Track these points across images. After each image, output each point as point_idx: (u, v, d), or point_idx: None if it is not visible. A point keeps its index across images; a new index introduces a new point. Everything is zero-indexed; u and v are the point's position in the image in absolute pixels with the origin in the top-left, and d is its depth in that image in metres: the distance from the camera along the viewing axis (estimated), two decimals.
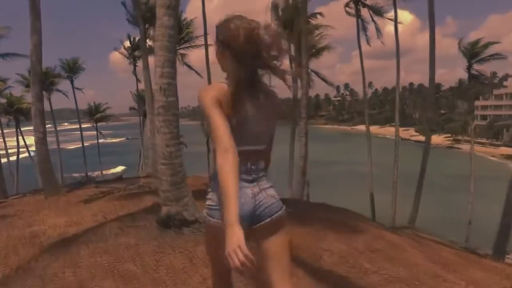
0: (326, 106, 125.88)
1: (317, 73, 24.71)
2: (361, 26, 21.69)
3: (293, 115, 20.02)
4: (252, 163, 1.43)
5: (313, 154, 16.80)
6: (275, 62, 1.38)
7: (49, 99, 26.50)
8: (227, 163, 1.21)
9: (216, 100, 1.30)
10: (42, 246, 4.02)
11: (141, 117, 27.06)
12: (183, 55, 21.20)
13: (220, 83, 1.38)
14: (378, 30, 22.19)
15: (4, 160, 28.40)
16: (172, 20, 3.75)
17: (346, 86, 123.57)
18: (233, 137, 1.28)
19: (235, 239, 1.09)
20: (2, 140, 26.01)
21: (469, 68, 19.66)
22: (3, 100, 25.90)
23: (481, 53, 19.20)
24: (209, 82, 20.11)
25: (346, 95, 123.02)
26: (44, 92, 25.25)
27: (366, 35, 22.22)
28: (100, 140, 38.86)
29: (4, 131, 27.56)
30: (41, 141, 7.43)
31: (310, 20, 20.55)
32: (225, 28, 1.39)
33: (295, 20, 19.87)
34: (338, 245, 3.72)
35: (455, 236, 14.51)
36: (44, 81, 24.52)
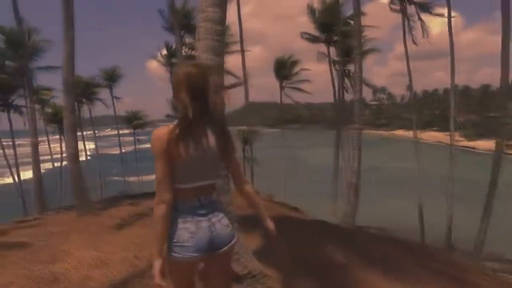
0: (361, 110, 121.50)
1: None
2: (407, 25, 20.10)
3: (337, 120, 18.77)
4: (205, 197, 1.60)
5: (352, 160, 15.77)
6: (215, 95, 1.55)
7: (89, 108, 27.12)
8: (160, 212, 1.48)
9: (163, 147, 1.47)
10: None
11: None
12: None
13: (171, 125, 1.52)
14: (424, 29, 20.45)
15: (48, 166, 29.54)
16: (219, 12, 2.84)
17: (383, 89, 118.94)
18: (184, 175, 1.53)
19: (155, 271, 1.50)
20: (47, 147, 26.88)
21: None
22: (49, 110, 26.85)
23: None
24: (246, 88, 19.41)
25: (383, 98, 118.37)
26: (85, 101, 26.15)
27: (412, 34, 20.61)
28: (142, 146, 39.53)
29: (50, 137, 28.62)
30: (73, 158, 6.89)
31: (350, 21, 19.42)
32: (174, 75, 1.60)
33: (335, 22, 18.79)
34: None
35: None
36: (86, 91, 25.18)
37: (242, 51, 18.86)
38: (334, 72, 20.60)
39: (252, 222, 5.91)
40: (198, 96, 1.48)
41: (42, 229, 6.91)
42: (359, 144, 9.85)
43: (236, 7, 17.69)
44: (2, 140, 18.47)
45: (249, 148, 22.28)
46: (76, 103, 25.57)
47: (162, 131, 1.49)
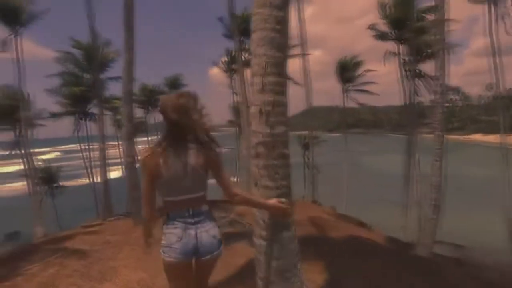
0: (431, 113, 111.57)
1: (431, 77, 21.07)
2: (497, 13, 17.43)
3: (407, 124, 17.09)
4: (194, 208, 1.78)
5: (423, 168, 14.68)
6: (197, 123, 1.73)
7: (154, 115, 28.53)
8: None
9: (148, 166, 1.72)
10: None
11: (236, 128, 27.21)
12: None
13: (155, 146, 1.76)
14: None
15: (119, 169, 31.77)
16: None
17: (458, 90, 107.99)
18: (170, 190, 1.76)
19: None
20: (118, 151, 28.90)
21: None
22: (119, 117, 28.89)
23: None
24: (307, 92, 18.60)
25: (456, 100, 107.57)
26: (150, 108, 27.58)
27: (504, 23, 17.81)
28: None
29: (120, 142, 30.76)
30: (131, 166, 6.81)
31: (424, 16, 17.49)
32: (160, 104, 1.80)
33: (409, 17, 17.04)
34: None
35: None
36: (151, 98, 26.56)
37: (303, 54, 18.14)
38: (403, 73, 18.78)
39: (315, 245, 5.12)
40: (182, 119, 1.66)
41: (101, 237, 6.98)
42: (440, 153, 8.41)
43: (295, 11, 17.07)
44: (82, 144, 20.30)
45: (310, 154, 21.10)
46: (143, 110, 27.17)
47: (147, 152, 1.72)
